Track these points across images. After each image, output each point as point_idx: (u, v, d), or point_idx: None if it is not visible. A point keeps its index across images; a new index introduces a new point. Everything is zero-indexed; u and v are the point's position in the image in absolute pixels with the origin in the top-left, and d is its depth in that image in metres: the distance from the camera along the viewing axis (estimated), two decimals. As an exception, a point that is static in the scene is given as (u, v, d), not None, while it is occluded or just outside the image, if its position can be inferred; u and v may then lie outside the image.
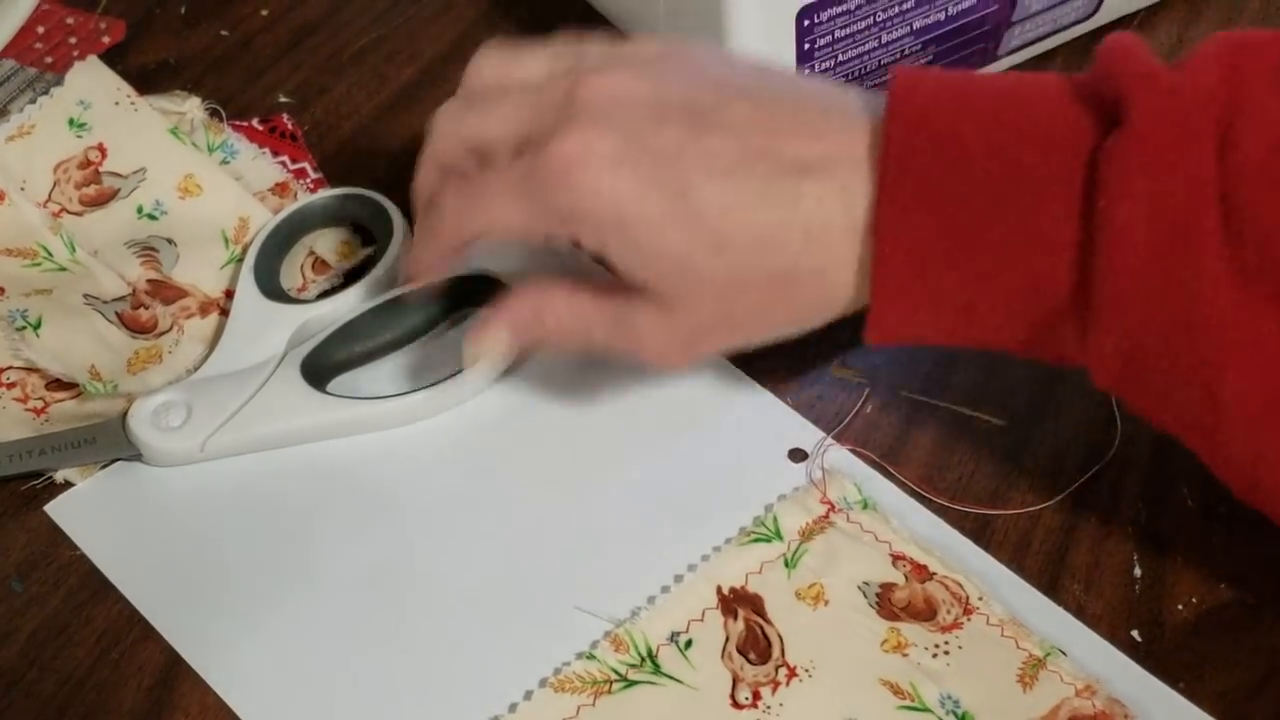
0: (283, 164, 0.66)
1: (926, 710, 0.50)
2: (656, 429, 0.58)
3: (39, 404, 0.58)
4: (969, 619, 0.52)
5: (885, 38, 0.62)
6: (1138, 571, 0.54)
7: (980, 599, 0.52)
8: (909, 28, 0.63)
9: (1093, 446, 0.57)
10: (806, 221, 0.49)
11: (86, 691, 0.51)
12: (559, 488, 0.56)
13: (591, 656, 0.51)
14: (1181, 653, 0.52)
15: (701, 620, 0.52)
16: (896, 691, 0.50)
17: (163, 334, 0.60)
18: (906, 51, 0.63)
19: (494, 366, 0.58)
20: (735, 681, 0.51)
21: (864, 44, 0.62)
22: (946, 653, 0.51)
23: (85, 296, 0.60)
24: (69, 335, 0.59)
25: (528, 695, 0.50)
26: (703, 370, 0.59)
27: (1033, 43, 0.69)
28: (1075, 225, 0.46)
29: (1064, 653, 0.51)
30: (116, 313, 0.60)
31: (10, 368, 0.58)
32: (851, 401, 0.59)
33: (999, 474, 0.56)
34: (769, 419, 0.58)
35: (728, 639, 0.52)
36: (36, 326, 0.59)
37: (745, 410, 0.59)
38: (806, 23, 0.60)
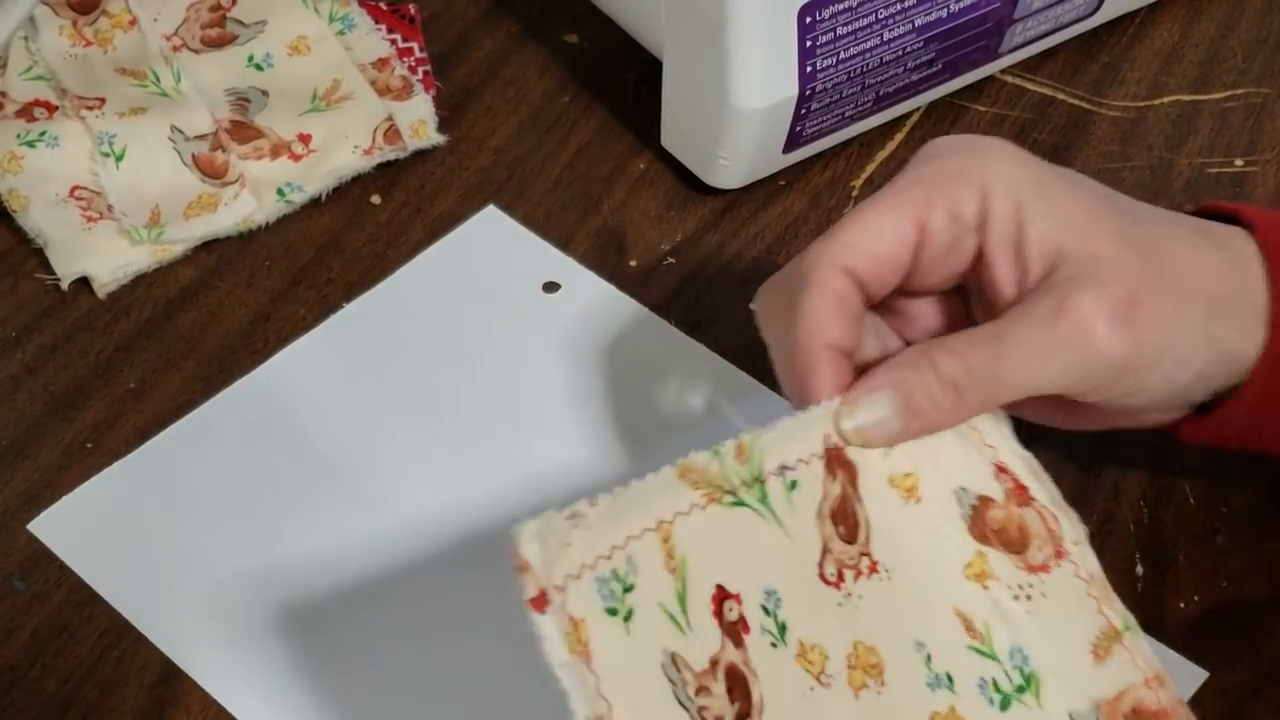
0: (393, 41, 0.70)
1: (994, 659, 0.47)
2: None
3: (95, 215, 0.63)
4: (1058, 563, 0.48)
5: (887, 35, 0.62)
6: (1140, 569, 0.54)
7: (1075, 544, 0.48)
8: (910, 25, 0.62)
9: (1096, 443, 0.57)
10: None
11: (88, 690, 0.51)
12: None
13: (716, 453, 0.46)
14: (1183, 651, 0.52)
15: (808, 464, 0.48)
16: (969, 628, 0.47)
17: (228, 184, 0.64)
18: (908, 49, 0.63)
19: None
20: (825, 551, 0.47)
21: (865, 41, 0.62)
22: (1029, 598, 0.48)
23: (172, 129, 0.65)
24: (145, 173, 0.64)
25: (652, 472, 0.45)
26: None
27: (1034, 40, 0.69)
28: None
29: (1141, 630, 0.48)
30: (193, 154, 0.64)
31: (85, 187, 0.64)
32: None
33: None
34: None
35: (824, 498, 0.48)
36: (120, 158, 0.64)
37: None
38: (808, 20, 0.60)
